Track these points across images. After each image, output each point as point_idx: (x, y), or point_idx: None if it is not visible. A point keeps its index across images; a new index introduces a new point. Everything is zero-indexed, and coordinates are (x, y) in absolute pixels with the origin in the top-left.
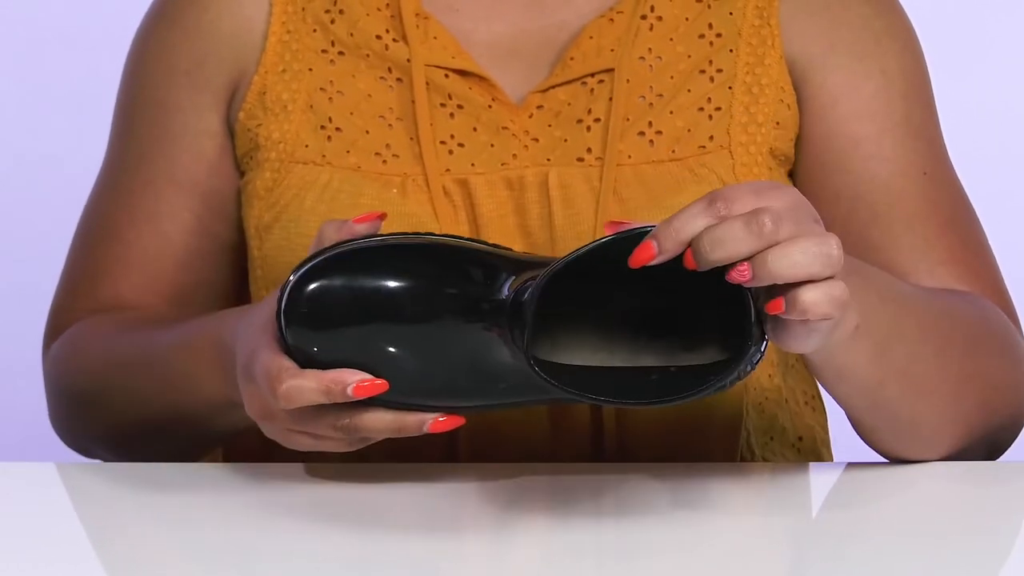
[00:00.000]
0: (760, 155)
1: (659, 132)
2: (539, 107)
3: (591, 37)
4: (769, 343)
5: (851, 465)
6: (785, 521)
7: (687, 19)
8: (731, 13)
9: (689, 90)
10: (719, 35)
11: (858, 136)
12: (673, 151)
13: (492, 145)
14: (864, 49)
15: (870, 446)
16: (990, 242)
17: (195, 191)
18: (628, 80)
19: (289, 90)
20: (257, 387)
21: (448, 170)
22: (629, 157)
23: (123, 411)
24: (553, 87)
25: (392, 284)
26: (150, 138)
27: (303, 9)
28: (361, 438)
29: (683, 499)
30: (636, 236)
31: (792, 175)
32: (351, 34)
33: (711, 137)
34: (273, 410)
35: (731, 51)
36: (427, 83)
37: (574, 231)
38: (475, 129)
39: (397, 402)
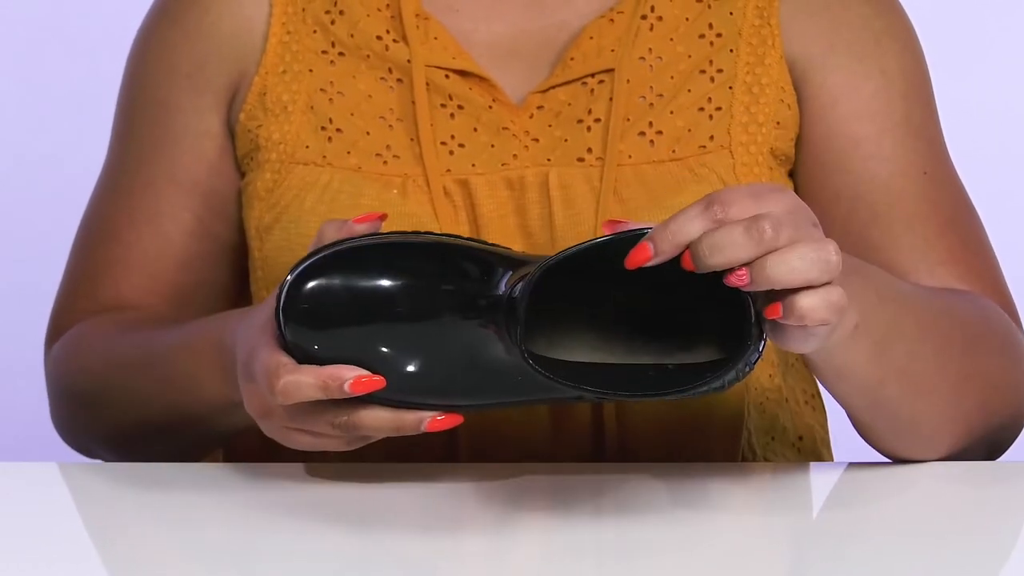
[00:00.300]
0: (761, 155)
1: (659, 132)
2: (539, 107)
3: (591, 37)
4: (767, 343)
5: (851, 465)
6: (786, 521)
7: (687, 19)
8: (731, 13)
9: (689, 90)
10: (719, 35)
11: (858, 136)
12: (673, 151)
13: (492, 145)
14: (864, 49)
15: (870, 445)
16: (990, 242)
17: (196, 192)
18: (628, 80)
19: (289, 91)
20: (256, 385)
21: (449, 170)
22: (629, 157)
23: (124, 411)
24: (553, 87)
25: (390, 281)
26: (151, 139)
27: (303, 10)
28: (360, 436)
29: (683, 499)
30: (633, 237)
31: (792, 175)
32: (351, 35)
33: (711, 137)
34: (272, 407)
35: (731, 51)
36: (427, 84)
37: (574, 231)
38: (475, 129)
39: (395, 400)
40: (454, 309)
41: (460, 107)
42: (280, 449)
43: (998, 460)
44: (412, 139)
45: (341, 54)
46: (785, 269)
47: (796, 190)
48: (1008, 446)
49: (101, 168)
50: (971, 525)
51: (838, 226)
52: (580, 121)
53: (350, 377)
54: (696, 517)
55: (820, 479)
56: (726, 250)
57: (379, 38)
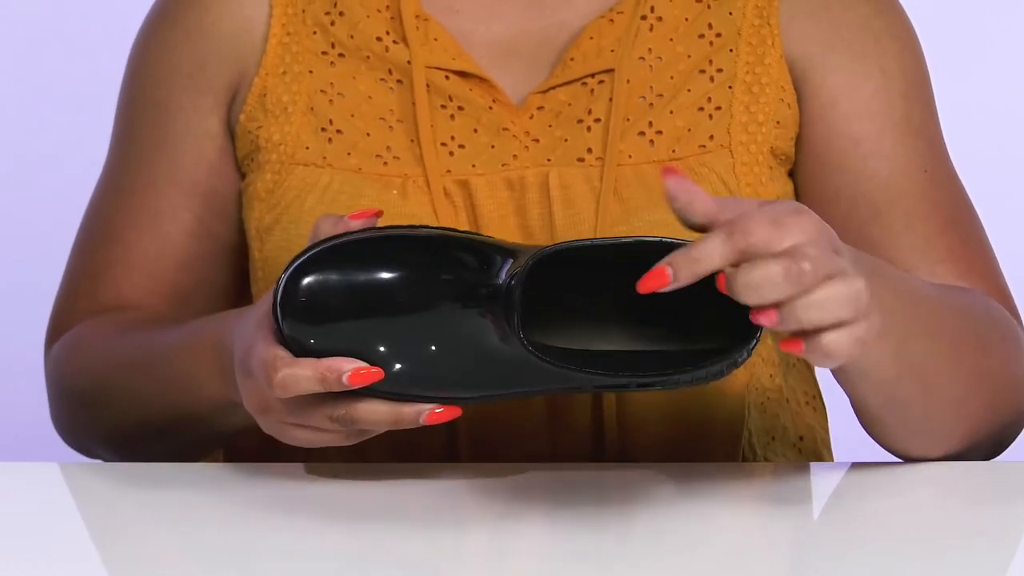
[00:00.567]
0: (761, 154)
1: (659, 132)
2: (539, 108)
3: (591, 38)
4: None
5: (853, 465)
6: (786, 521)
7: (687, 19)
8: (731, 13)
9: (689, 90)
10: (719, 35)
11: (858, 135)
12: (673, 151)
13: (493, 146)
14: (864, 48)
15: (877, 441)
16: (990, 241)
17: (196, 192)
18: (628, 80)
19: (289, 92)
20: (254, 380)
21: (449, 171)
22: (629, 157)
23: (124, 411)
24: (553, 88)
25: (387, 274)
26: (151, 140)
27: (303, 11)
28: (358, 430)
29: (684, 499)
30: (634, 243)
31: (792, 174)
32: (351, 36)
33: (711, 137)
34: (270, 403)
35: (731, 51)
36: (427, 85)
37: (575, 231)
38: (476, 130)
39: (394, 393)
40: (453, 299)
41: (460, 108)
42: (280, 449)
43: (998, 460)
44: (412, 140)
45: (341, 55)
46: (818, 313)
47: (796, 189)
48: (1009, 444)
49: (102, 168)
50: (972, 525)
51: (838, 224)
52: (580, 121)
53: (348, 369)
54: (697, 517)
55: (821, 479)
56: (763, 290)
57: (379, 39)
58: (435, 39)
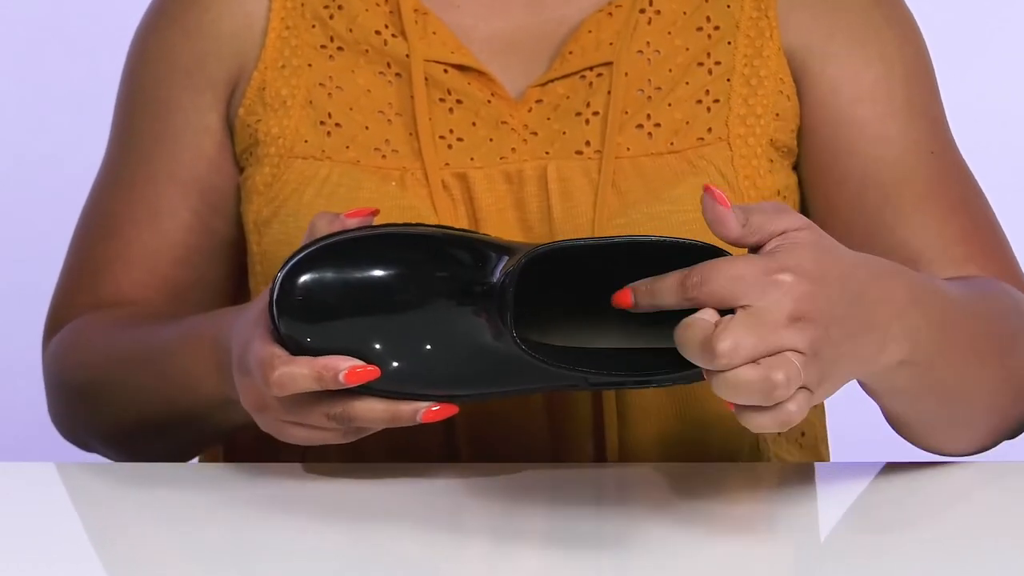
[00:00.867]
0: (759, 147)
1: (657, 125)
2: (538, 101)
3: (590, 31)
4: None
5: (855, 465)
6: (788, 521)
7: (685, 12)
8: (729, 6)
9: (687, 83)
10: (717, 28)
11: (863, 119)
12: (672, 143)
13: (491, 139)
14: (864, 37)
15: (903, 438)
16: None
17: (195, 188)
18: (627, 73)
19: (288, 86)
20: (251, 378)
21: (447, 164)
22: (628, 150)
23: (121, 407)
24: (552, 81)
25: (383, 272)
26: (151, 136)
27: (302, 5)
28: (356, 429)
29: (684, 500)
30: (629, 242)
31: (798, 167)
32: (350, 29)
33: (709, 129)
34: (267, 401)
35: (729, 43)
36: (426, 78)
37: (573, 224)
38: (474, 124)
39: (391, 391)
40: (448, 296)
41: (459, 101)
42: (280, 448)
43: (1001, 460)
44: (411, 133)
45: (340, 49)
46: (728, 393)
47: (803, 181)
48: None
49: (100, 164)
50: (976, 525)
51: (848, 208)
52: (578, 114)
53: (345, 367)
54: (697, 517)
55: (822, 479)
56: (684, 351)
57: (378, 33)
58: (434, 33)
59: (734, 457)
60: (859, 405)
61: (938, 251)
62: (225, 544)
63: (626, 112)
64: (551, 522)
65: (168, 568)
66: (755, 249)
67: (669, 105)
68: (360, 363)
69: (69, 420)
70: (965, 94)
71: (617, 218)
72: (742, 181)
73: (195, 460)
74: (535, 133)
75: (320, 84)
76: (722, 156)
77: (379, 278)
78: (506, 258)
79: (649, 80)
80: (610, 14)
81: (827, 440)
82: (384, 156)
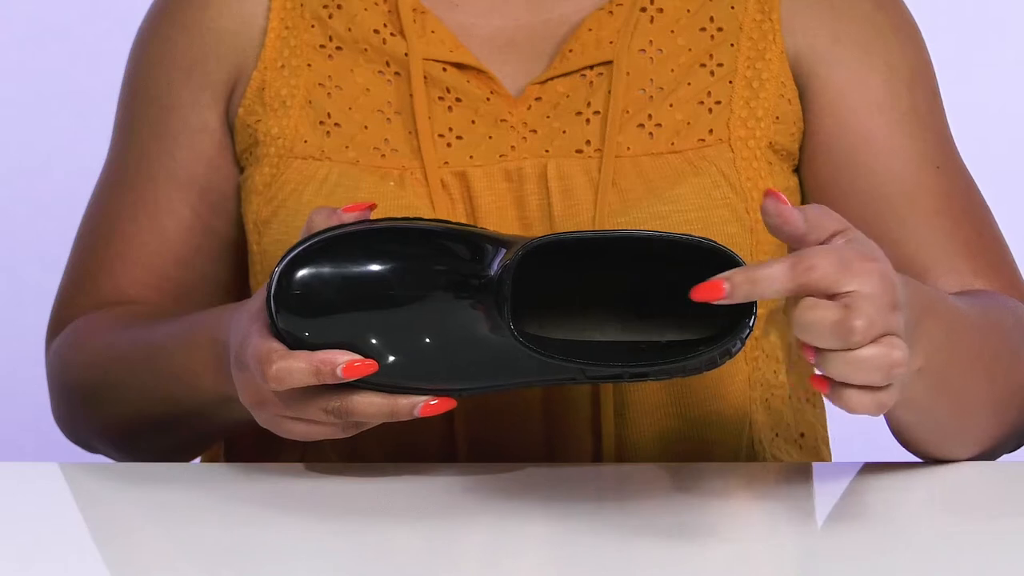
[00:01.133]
0: (759, 149)
1: (659, 125)
2: (537, 99)
3: (590, 29)
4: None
5: (855, 465)
6: (788, 522)
7: (688, 11)
8: (732, 7)
9: (689, 83)
10: (720, 29)
11: (870, 130)
12: (672, 143)
13: (490, 137)
14: (868, 42)
15: (904, 446)
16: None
17: (194, 188)
18: (628, 73)
19: (288, 86)
20: (249, 373)
21: (446, 163)
22: (628, 149)
23: (123, 405)
24: (551, 79)
25: (380, 266)
26: (151, 135)
27: (301, 5)
28: (354, 423)
29: (683, 500)
30: (628, 237)
31: (801, 173)
32: (349, 29)
33: (711, 131)
34: (265, 396)
35: (732, 45)
36: (425, 77)
37: (573, 222)
38: (473, 122)
39: (388, 385)
40: (445, 289)
41: (458, 100)
42: (280, 448)
43: (1002, 460)
44: (410, 132)
45: (339, 48)
46: (850, 371)
47: (804, 186)
48: None
49: (103, 164)
50: (977, 525)
51: (854, 221)
52: (579, 113)
53: (342, 362)
54: (696, 518)
55: (822, 479)
56: (810, 333)
57: (376, 32)
58: (432, 31)
59: (732, 456)
60: None
61: (945, 267)
62: (225, 544)
63: (627, 111)
64: (550, 522)
65: (168, 568)
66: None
67: (670, 106)
68: (358, 357)
69: (72, 420)
70: (965, 94)
71: (618, 217)
72: (744, 183)
73: (196, 460)
74: (534, 131)
75: (319, 84)
76: (724, 157)
77: (376, 272)
78: (503, 251)
79: (651, 80)
80: (611, 12)
81: (828, 443)
82: (383, 155)
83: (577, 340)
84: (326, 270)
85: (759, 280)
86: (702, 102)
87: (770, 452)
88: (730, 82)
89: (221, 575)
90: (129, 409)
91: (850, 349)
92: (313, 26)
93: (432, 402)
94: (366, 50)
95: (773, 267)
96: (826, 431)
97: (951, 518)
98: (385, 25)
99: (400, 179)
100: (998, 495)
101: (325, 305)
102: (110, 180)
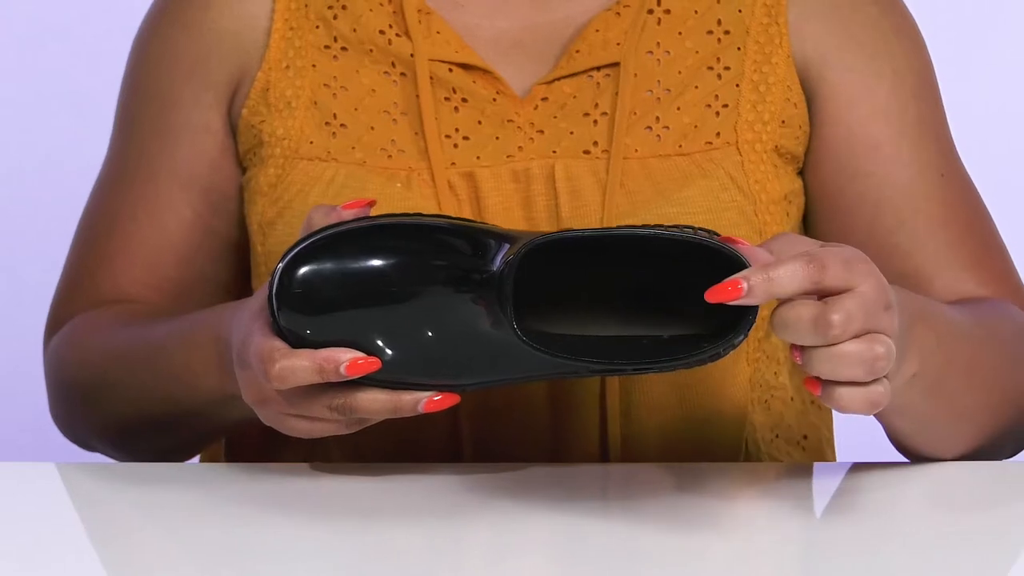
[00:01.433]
0: (765, 152)
1: (666, 127)
2: (544, 99)
3: (597, 30)
4: (760, 324)
5: (857, 465)
6: (792, 522)
7: (696, 12)
8: (740, 11)
9: (696, 86)
10: (727, 32)
11: (877, 139)
12: (680, 146)
13: (497, 138)
14: (875, 48)
15: (898, 449)
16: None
17: (195, 187)
18: (636, 74)
19: (293, 86)
20: (252, 372)
21: (453, 163)
22: (636, 151)
23: (122, 404)
24: (558, 79)
25: (381, 262)
26: (152, 134)
27: (306, 6)
28: (357, 420)
29: (688, 499)
30: (631, 236)
31: (806, 175)
32: (354, 30)
33: (718, 134)
34: (268, 394)
35: (739, 49)
36: (431, 77)
37: (581, 223)
38: (480, 122)
39: (392, 381)
40: (447, 284)
41: (464, 100)
42: (284, 447)
43: (1002, 460)
44: (417, 133)
45: (344, 49)
46: (831, 367)
47: (810, 192)
48: None
49: (103, 162)
50: (977, 525)
51: (862, 231)
52: (586, 114)
53: (345, 359)
54: (701, 517)
55: (826, 479)
56: (789, 331)
57: (382, 32)
58: (438, 32)
59: (731, 456)
60: None
61: (950, 276)
62: (226, 544)
63: (634, 113)
64: (554, 522)
65: (168, 568)
66: None
67: (678, 108)
68: (361, 355)
69: (70, 419)
70: (965, 94)
71: (626, 218)
72: (752, 185)
73: (195, 460)
74: (541, 131)
75: (325, 85)
76: (732, 160)
77: (378, 268)
78: (507, 246)
79: (658, 81)
80: (618, 14)
81: (833, 445)
82: (390, 156)
83: (578, 335)
84: (327, 267)
85: (776, 279)
86: (709, 105)
87: (767, 453)
88: (737, 85)
89: (221, 575)
90: (128, 408)
91: (830, 345)
92: (318, 27)
93: (436, 398)
94: (371, 51)
95: (788, 266)
96: (831, 433)
97: (949, 516)
98: (391, 26)
99: (407, 180)
100: (995, 494)
101: (327, 303)
102: (110, 178)
